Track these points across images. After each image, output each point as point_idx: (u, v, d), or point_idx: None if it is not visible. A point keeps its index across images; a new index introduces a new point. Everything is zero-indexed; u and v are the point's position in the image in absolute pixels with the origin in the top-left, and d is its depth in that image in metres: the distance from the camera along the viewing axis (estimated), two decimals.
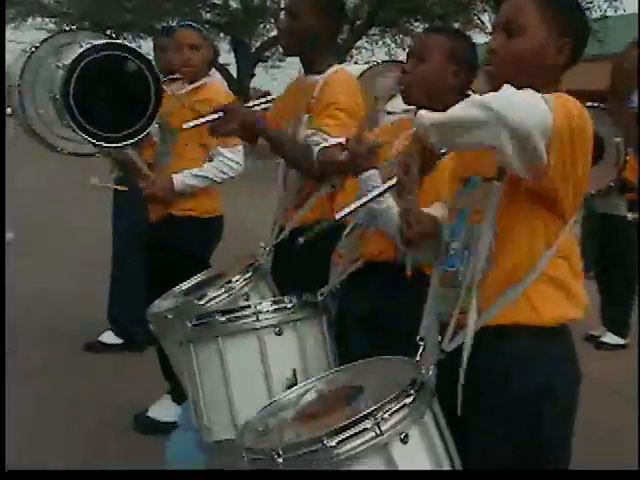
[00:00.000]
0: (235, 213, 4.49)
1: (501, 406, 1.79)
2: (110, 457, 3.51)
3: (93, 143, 3.26)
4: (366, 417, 1.62)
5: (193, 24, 3.73)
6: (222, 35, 20.72)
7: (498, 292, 1.78)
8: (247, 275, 2.73)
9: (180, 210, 3.63)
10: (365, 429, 1.62)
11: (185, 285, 2.94)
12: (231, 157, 3.58)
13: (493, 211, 1.79)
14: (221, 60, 12.73)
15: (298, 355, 2.34)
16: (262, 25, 21.10)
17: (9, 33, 19.94)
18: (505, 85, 1.66)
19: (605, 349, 5.41)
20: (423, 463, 1.70)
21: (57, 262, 7.13)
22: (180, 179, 3.57)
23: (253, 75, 20.82)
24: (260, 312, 2.33)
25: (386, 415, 1.64)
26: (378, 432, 1.62)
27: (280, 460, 1.64)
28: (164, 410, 3.75)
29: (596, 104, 5.09)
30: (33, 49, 3.74)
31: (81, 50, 3.20)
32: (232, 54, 20.74)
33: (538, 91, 1.69)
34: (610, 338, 5.49)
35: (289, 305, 2.36)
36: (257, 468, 1.72)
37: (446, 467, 1.72)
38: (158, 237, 3.69)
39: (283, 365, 2.31)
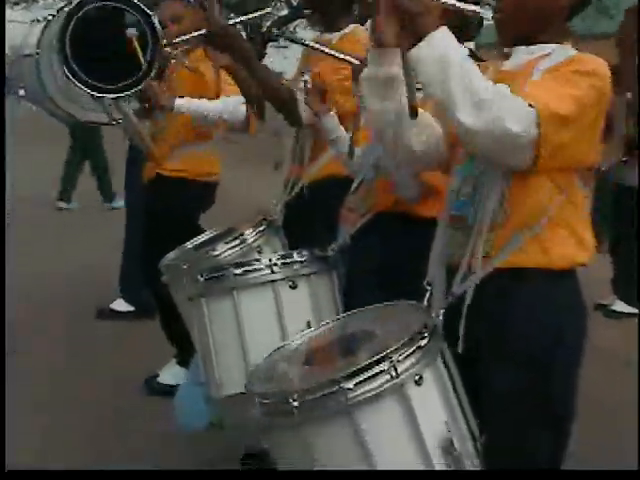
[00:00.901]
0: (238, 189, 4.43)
1: (511, 349, 1.80)
2: (123, 420, 3.54)
3: (89, 93, 3.18)
4: (382, 359, 1.63)
5: None
6: (232, 15, 20.67)
7: (509, 236, 1.79)
8: (260, 228, 2.75)
9: (172, 171, 3.64)
10: (382, 371, 1.62)
11: (197, 240, 2.95)
12: (240, 102, 3.49)
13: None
14: None
15: (311, 308, 2.35)
16: (273, 3, 21.03)
17: (19, 14, 19.92)
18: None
19: (615, 317, 5.35)
20: (436, 405, 1.70)
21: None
22: (181, 99, 3.53)
23: (264, 55, 20.79)
24: (275, 264, 2.33)
25: (401, 357, 1.64)
26: (394, 374, 1.63)
27: (295, 404, 1.63)
28: (172, 374, 3.79)
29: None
30: (50, 17, 3.71)
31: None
32: (243, 34, 20.69)
33: (542, 38, 1.76)
34: (621, 307, 5.44)
35: (302, 259, 2.36)
36: (270, 414, 1.71)
37: (457, 411, 1.74)
38: (150, 198, 3.73)
39: (298, 318, 2.32)
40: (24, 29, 4.22)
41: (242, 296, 2.33)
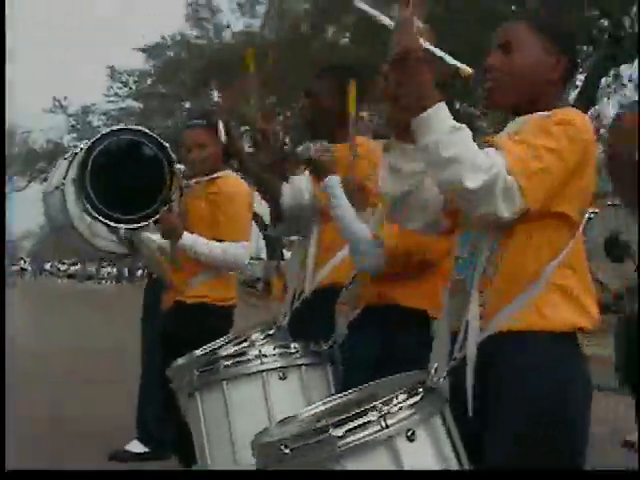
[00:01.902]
0: None
1: (515, 412, 1.78)
2: None
3: (106, 224, 3.32)
4: (371, 409, 1.62)
5: (200, 122, 3.81)
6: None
7: (504, 300, 1.80)
8: (268, 332, 2.77)
9: (192, 297, 3.64)
10: (370, 421, 1.61)
11: (206, 347, 2.95)
12: (241, 251, 3.63)
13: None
14: None
15: (302, 400, 2.32)
16: None
17: None
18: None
19: None
20: (429, 464, 1.66)
21: None
22: (190, 236, 3.58)
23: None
24: (264, 355, 2.34)
25: (393, 410, 1.63)
26: (383, 425, 1.61)
27: (287, 451, 1.63)
28: None
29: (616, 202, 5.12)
30: (76, 152, 3.90)
31: (99, 135, 3.34)
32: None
33: (536, 107, 1.84)
34: None
35: (293, 350, 2.37)
36: (265, 461, 1.71)
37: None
38: (169, 326, 3.69)
39: (287, 409, 2.26)
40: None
41: (231, 387, 2.32)
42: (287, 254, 19.60)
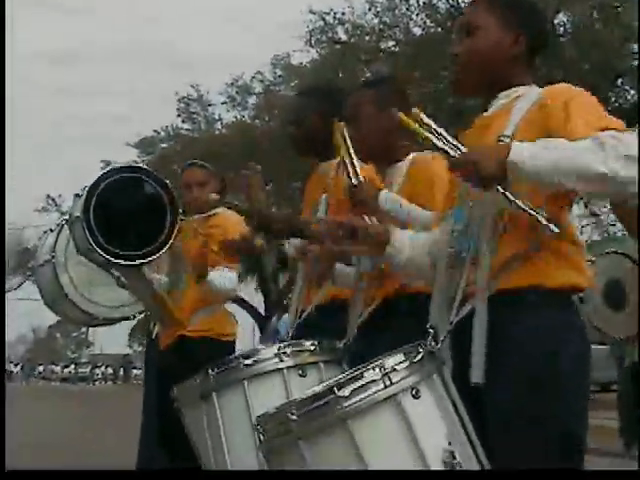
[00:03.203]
0: None
1: (513, 371, 1.83)
2: None
3: (110, 260, 3.33)
4: (373, 368, 1.67)
5: (198, 162, 4.00)
6: None
7: (503, 262, 1.87)
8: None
9: (196, 331, 3.72)
10: (374, 380, 1.66)
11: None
12: (230, 276, 3.73)
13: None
14: None
15: None
16: None
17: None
18: None
19: None
20: (436, 419, 1.70)
21: None
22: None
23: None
24: (284, 353, 2.37)
25: (396, 367, 1.68)
26: (388, 383, 1.66)
27: (294, 417, 1.66)
28: None
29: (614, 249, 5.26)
30: (63, 222, 4.02)
31: (102, 172, 3.41)
32: None
33: (507, 84, 1.95)
34: None
35: (311, 348, 2.40)
36: (271, 431, 1.75)
37: (458, 425, 1.73)
38: (170, 361, 3.73)
39: None
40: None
41: (252, 386, 2.35)
42: None
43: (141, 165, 3.76)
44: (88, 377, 49.54)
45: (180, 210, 3.53)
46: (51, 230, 4.21)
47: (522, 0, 2.09)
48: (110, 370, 49.55)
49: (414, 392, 1.68)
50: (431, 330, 1.90)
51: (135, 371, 43.27)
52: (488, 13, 2.01)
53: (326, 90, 3.21)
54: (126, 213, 3.42)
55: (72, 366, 54.90)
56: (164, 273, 3.92)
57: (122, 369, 46.87)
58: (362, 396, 1.65)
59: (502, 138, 1.87)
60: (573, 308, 1.90)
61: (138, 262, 3.41)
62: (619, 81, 14.48)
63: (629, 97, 14.80)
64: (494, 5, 2.02)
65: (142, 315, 4.50)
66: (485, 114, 2.05)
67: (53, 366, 58.12)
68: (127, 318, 4.31)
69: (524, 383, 1.81)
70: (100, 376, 49.67)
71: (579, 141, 1.73)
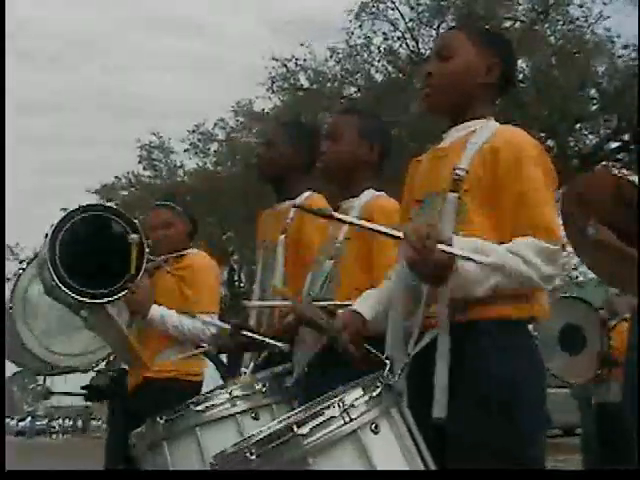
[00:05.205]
0: None
1: (476, 394, 1.84)
2: None
3: (75, 297, 3.24)
4: (332, 405, 1.61)
5: (165, 203, 3.90)
6: None
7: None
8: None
9: (161, 372, 3.57)
10: (333, 417, 1.60)
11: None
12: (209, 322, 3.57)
13: (450, 221, 1.90)
14: None
15: None
16: None
17: None
18: None
19: None
20: (395, 454, 1.66)
21: None
22: (158, 308, 3.55)
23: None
24: (236, 397, 2.31)
25: (355, 403, 1.63)
26: (347, 419, 1.60)
27: (253, 457, 1.59)
28: None
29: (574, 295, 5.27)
30: (20, 272, 3.96)
31: (68, 211, 3.32)
32: None
33: (471, 110, 1.99)
34: None
35: (263, 389, 2.36)
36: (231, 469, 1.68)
37: (418, 461, 1.68)
38: (136, 403, 3.57)
39: None
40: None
41: (205, 432, 2.28)
42: None
43: (109, 204, 3.65)
44: (45, 430, 48.49)
45: (147, 249, 3.45)
46: (8, 279, 4.10)
47: (498, 33, 2.14)
48: (68, 422, 48.60)
49: (373, 427, 1.64)
50: (387, 362, 1.86)
51: (94, 422, 42.43)
52: (466, 39, 2.06)
53: (307, 128, 3.23)
54: (92, 251, 3.37)
55: (28, 419, 53.72)
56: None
57: (81, 421, 46.05)
58: (322, 433, 1.59)
59: (458, 171, 1.92)
60: (529, 334, 1.92)
61: (105, 300, 3.33)
62: (577, 125, 14.77)
63: (587, 142, 15.11)
64: (472, 32, 2.09)
65: (103, 364, 4.33)
66: (441, 145, 2.07)
67: (8, 419, 56.88)
68: (86, 370, 4.16)
69: (481, 410, 1.82)
70: (57, 429, 48.65)
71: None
